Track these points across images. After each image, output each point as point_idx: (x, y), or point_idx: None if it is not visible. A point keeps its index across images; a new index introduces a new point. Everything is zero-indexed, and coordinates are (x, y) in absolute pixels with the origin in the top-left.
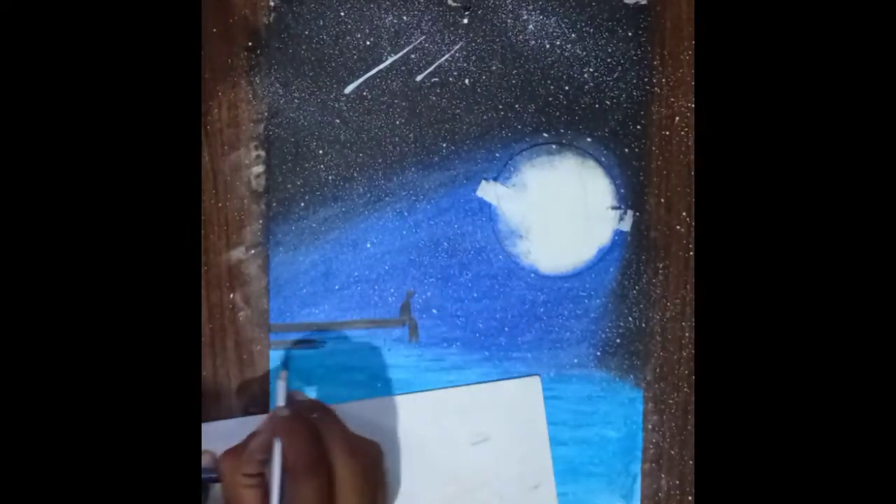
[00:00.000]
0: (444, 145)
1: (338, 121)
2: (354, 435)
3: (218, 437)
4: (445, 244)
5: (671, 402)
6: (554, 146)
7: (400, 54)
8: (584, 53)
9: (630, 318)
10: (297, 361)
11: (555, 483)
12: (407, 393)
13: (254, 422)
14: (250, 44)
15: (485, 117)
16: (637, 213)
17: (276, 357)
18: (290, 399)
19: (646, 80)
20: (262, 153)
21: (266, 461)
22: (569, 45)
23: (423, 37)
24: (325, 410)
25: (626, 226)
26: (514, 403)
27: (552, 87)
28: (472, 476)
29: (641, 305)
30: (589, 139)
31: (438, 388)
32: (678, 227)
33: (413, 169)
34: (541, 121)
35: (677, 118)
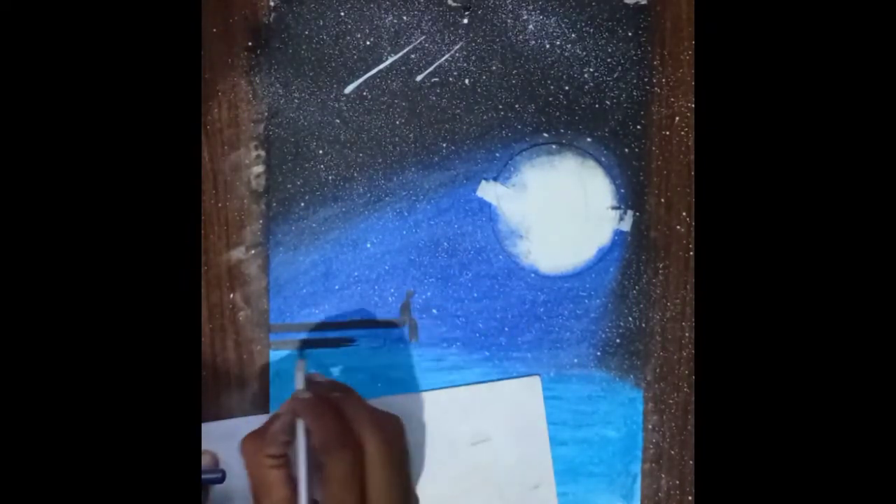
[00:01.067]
0: (444, 145)
1: (338, 121)
2: (377, 409)
3: (218, 437)
4: (445, 244)
5: (671, 402)
6: (554, 146)
7: (400, 54)
8: (584, 53)
9: (630, 318)
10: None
11: (555, 483)
12: (406, 393)
13: (255, 421)
14: (250, 44)
15: (485, 117)
16: (637, 213)
17: (276, 357)
18: (310, 382)
19: (646, 80)
20: (262, 153)
21: (289, 442)
22: (569, 45)
23: (423, 37)
24: (345, 389)
25: (626, 226)
26: (515, 403)
27: (552, 87)
28: (472, 475)
29: (641, 305)
30: (589, 139)
31: (438, 388)
32: (678, 227)
33: (413, 169)
34: (541, 121)
35: (677, 118)
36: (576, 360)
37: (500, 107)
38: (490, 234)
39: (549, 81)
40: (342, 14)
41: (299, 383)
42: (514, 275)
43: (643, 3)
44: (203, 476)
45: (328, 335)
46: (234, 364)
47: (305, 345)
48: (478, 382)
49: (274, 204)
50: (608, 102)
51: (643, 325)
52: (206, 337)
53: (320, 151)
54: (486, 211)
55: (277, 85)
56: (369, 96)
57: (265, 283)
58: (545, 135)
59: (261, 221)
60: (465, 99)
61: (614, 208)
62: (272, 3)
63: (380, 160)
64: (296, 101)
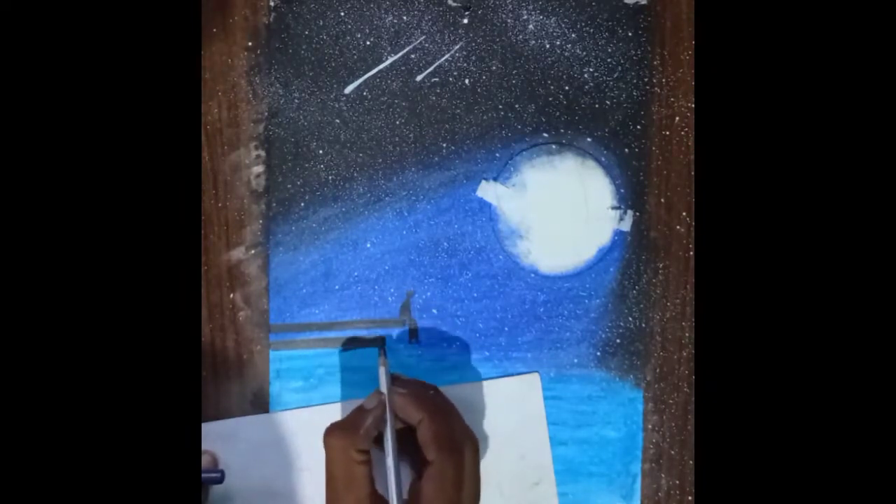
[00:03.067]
0: (444, 145)
1: (338, 121)
2: (460, 415)
3: (218, 436)
4: (445, 244)
5: (671, 402)
6: (554, 146)
7: (400, 54)
8: (585, 53)
9: (630, 318)
10: (297, 361)
11: (555, 480)
12: None
13: (256, 421)
14: (250, 44)
15: (485, 117)
16: (637, 213)
17: (276, 357)
18: (395, 379)
19: (646, 80)
20: (262, 153)
21: (379, 437)
22: (569, 45)
23: (423, 37)
24: (433, 387)
25: (626, 226)
26: (514, 401)
27: (552, 87)
28: None
29: (641, 305)
30: (589, 139)
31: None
32: (678, 227)
33: (413, 169)
34: (541, 121)
35: (677, 118)
36: (576, 360)
37: (500, 107)
38: (490, 234)
39: (549, 81)
40: (342, 14)
41: (383, 383)
42: (514, 275)
43: (643, 3)
44: (203, 476)
45: (328, 335)
46: (234, 364)
47: (306, 345)
48: (468, 381)
49: (274, 204)
50: (608, 102)
51: (643, 325)
52: (206, 337)
53: (320, 151)
54: (486, 211)
55: (277, 85)
56: (369, 96)
57: (265, 283)
58: (545, 135)
59: (261, 221)
60: (465, 99)
61: (614, 208)
62: (272, 3)
63: (380, 160)
64: (296, 101)
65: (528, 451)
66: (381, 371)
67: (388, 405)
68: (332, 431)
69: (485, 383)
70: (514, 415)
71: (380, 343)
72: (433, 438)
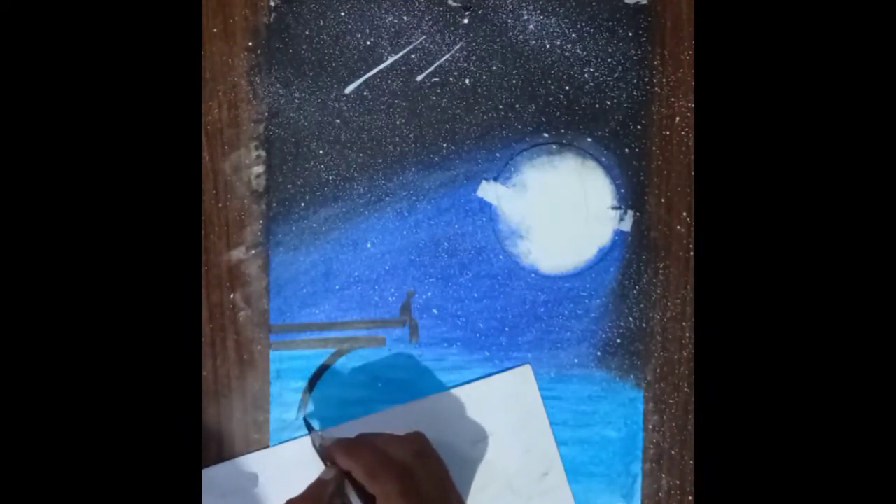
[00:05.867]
0: (445, 145)
1: (338, 121)
2: (398, 433)
3: (219, 481)
4: (446, 244)
5: (671, 402)
6: (554, 146)
7: (400, 54)
8: (585, 53)
9: (630, 318)
10: (297, 361)
11: (563, 468)
12: (396, 405)
13: (253, 460)
14: (250, 44)
15: (485, 117)
16: (637, 213)
17: (276, 357)
18: (322, 439)
19: (646, 80)
20: (263, 153)
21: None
22: (569, 45)
23: (424, 37)
24: (360, 435)
25: (627, 226)
26: (510, 396)
27: (552, 87)
28: (479, 475)
29: (642, 305)
30: (589, 139)
31: (438, 388)
32: (678, 227)
33: (413, 169)
34: (541, 121)
35: (677, 118)
36: (576, 360)
37: (501, 107)
38: (490, 234)
39: (549, 81)
40: (342, 14)
41: (316, 443)
42: (514, 275)
43: (643, 3)
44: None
45: (328, 335)
46: (234, 364)
47: (307, 345)
48: (469, 381)
49: (274, 204)
50: (608, 102)
51: (643, 325)
52: (206, 337)
53: (320, 151)
54: (486, 211)
55: (277, 85)
56: (369, 96)
57: (265, 283)
58: (545, 135)
59: (261, 221)
60: (465, 99)
61: (614, 208)
62: (272, 3)
63: (380, 160)
64: (296, 101)
65: (532, 443)
66: (313, 437)
67: (333, 459)
68: None
69: (478, 383)
70: (512, 410)
71: (306, 422)
72: (366, 474)
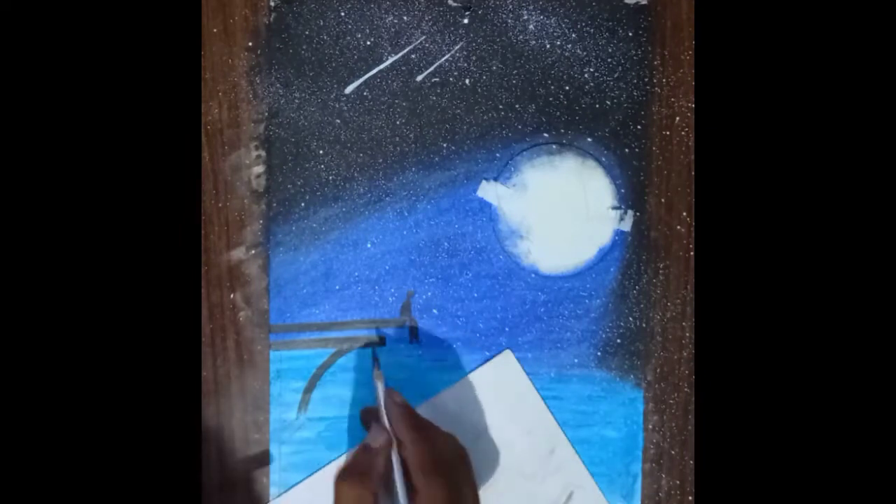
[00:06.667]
0: (445, 145)
1: (338, 121)
2: (441, 430)
3: None
4: (446, 244)
5: (671, 402)
6: (554, 146)
7: (400, 54)
8: (585, 53)
9: (630, 318)
10: (297, 361)
11: (569, 441)
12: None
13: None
14: (250, 44)
15: (485, 117)
16: (637, 213)
17: (276, 357)
18: (388, 393)
19: (646, 80)
20: (263, 153)
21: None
22: (569, 45)
23: (424, 37)
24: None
25: (627, 226)
26: (498, 384)
27: (552, 87)
28: (488, 469)
29: (642, 305)
30: (589, 139)
31: (438, 388)
32: (678, 227)
33: (413, 169)
34: (541, 121)
35: (677, 118)
36: (576, 360)
37: (501, 107)
38: (490, 234)
39: (549, 81)
40: (342, 14)
41: (381, 397)
42: (514, 275)
43: (643, 3)
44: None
45: (328, 335)
46: (234, 364)
47: (307, 345)
48: (453, 382)
49: (274, 204)
50: (608, 102)
51: (643, 325)
52: (206, 337)
53: (320, 151)
54: (486, 211)
55: (277, 85)
56: (369, 96)
57: (265, 283)
58: (545, 135)
59: (261, 221)
60: (465, 99)
61: (614, 208)
62: (272, 3)
63: (380, 160)
64: (296, 101)
65: (532, 424)
66: (378, 385)
67: (395, 447)
68: (347, 479)
69: (463, 381)
70: (503, 398)
71: (374, 353)
72: (419, 465)
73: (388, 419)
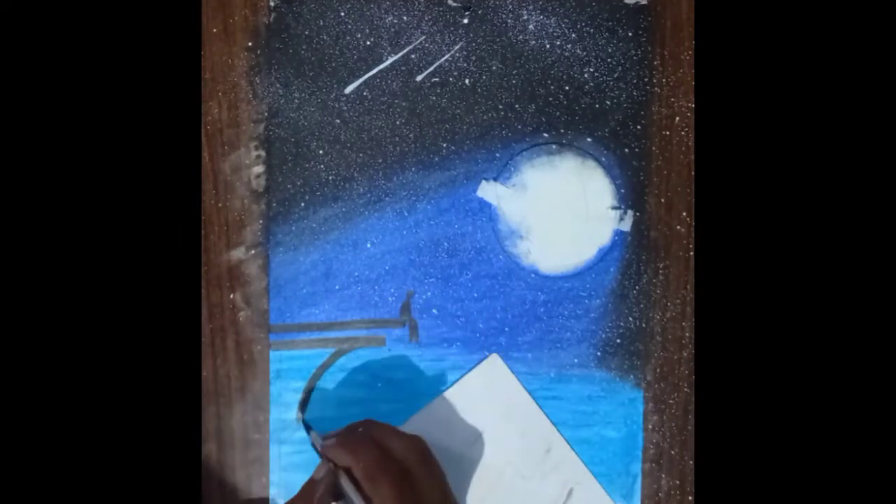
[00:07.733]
0: (445, 145)
1: (338, 121)
2: (402, 431)
3: None
4: (445, 244)
5: (671, 402)
6: (554, 146)
7: (400, 54)
8: (585, 53)
9: (630, 318)
10: (297, 361)
11: (564, 439)
12: (401, 403)
13: None
14: (250, 44)
15: (485, 117)
16: (637, 213)
17: (276, 357)
18: (326, 438)
19: (646, 80)
20: (262, 153)
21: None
22: (569, 46)
23: (424, 37)
24: (368, 423)
25: (627, 226)
26: (488, 388)
27: (552, 87)
28: (485, 473)
29: (641, 305)
30: (589, 139)
31: (437, 388)
32: (678, 227)
33: (413, 169)
34: (541, 121)
35: (677, 118)
36: (576, 361)
37: (501, 107)
38: (490, 234)
39: (549, 81)
40: (342, 14)
41: (318, 445)
42: (514, 275)
43: (643, 3)
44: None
45: (328, 335)
46: (234, 364)
47: (307, 345)
48: (442, 390)
49: (274, 204)
50: (608, 102)
51: (643, 325)
52: (206, 337)
53: (320, 151)
54: (486, 211)
55: (277, 85)
56: (369, 96)
57: (265, 283)
58: (545, 135)
59: (261, 221)
60: (465, 99)
61: (614, 208)
62: (272, 3)
63: (380, 160)
64: (296, 101)
65: (525, 426)
66: (312, 438)
67: (341, 474)
68: None
69: (454, 388)
70: (495, 401)
71: (305, 423)
72: (364, 475)
73: (324, 455)
